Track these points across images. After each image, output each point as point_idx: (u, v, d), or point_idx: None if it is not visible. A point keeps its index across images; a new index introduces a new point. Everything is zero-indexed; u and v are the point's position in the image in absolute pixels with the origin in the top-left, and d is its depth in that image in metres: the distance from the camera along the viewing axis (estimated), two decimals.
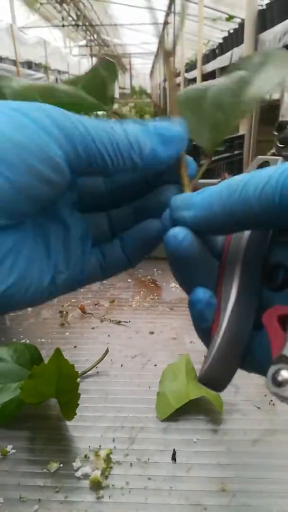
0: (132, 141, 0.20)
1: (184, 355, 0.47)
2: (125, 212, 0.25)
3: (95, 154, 0.19)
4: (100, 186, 0.24)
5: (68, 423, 0.40)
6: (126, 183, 0.24)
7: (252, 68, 0.26)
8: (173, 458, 0.37)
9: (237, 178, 0.18)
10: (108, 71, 0.29)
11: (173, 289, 0.68)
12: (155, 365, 0.49)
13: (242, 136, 1.32)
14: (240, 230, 0.20)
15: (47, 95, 0.27)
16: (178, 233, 0.19)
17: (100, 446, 0.38)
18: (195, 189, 0.22)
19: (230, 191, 0.18)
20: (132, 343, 0.53)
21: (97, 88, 0.29)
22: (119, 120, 0.21)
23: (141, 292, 0.67)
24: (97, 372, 0.48)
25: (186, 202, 0.20)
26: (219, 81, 0.27)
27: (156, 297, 0.65)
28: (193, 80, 7.99)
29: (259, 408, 0.43)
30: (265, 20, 3.37)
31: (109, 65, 0.29)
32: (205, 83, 0.27)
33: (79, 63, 11.99)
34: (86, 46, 17.19)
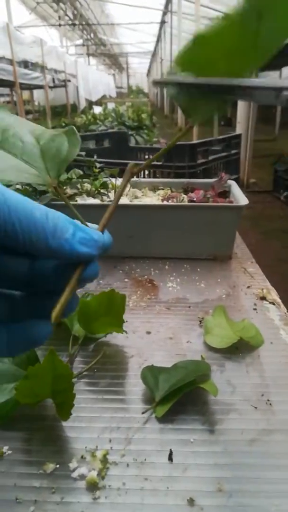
0: (50, 224, 0.21)
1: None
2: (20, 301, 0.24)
3: (7, 225, 0.20)
4: (23, 270, 0.24)
5: (64, 423, 0.40)
6: (49, 272, 0.24)
7: None
8: (170, 458, 0.37)
9: None
10: (69, 140, 0.27)
11: (170, 288, 0.67)
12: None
13: (239, 136, 1.32)
14: None
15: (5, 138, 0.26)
16: None
17: (96, 446, 0.38)
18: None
19: None
20: (129, 343, 0.53)
21: (54, 152, 0.27)
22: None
23: (138, 292, 0.66)
24: (94, 373, 0.48)
25: None
26: None
27: (153, 297, 0.65)
28: None
29: (256, 408, 0.42)
30: None
31: (71, 135, 0.27)
32: None
33: (75, 62, 11.96)
34: (83, 45, 17.16)
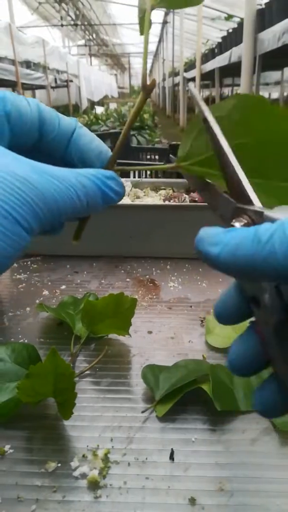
0: (86, 203, 0.25)
1: None
2: None
3: (57, 217, 0.24)
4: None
5: (66, 422, 0.40)
6: None
7: None
8: (171, 457, 0.37)
9: (266, 226, 0.18)
10: None
11: (171, 288, 0.68)
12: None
13: None
14: (266, 281, 0.20)
15: None
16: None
17: (98, 445, 0.38)
18: None
19: (255, 240, 0.17)
20: (130, 342, 0.53)
21: None
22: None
23: (140, 292, 0.66)
24: (96, 372, 0.48)
25: (212, 239, 0.19)
26: None
27: (154, 297, 0.65)
28: (192, 79, 7.98)
29: None
30: (264, 19, 3.37)
31: None
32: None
33: (78, 62, 11.97)
34: (85, 45, 17.18)
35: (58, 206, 0.23)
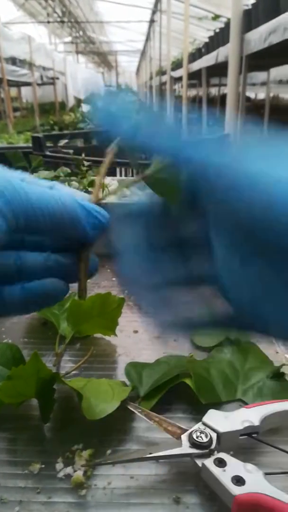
0: (67, 217, 0.23)
1: None
2: (37, 261, 0.25)
3: (33, 221, 0.22)
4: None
5: (50, 423, 0.40)
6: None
7: None
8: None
9: None
10: None
11: None
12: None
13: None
14: None
15: None
16: None
17: (82, 446, 0.38)
18: None
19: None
20: (116, 342, 0.53)
21: None
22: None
23: (126, 291, 0.66)
24: (81, 372, 0.47)
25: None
26: None
27: None
28: (179, 78, 8.00)
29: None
30: (250, 19, 3.39)
31: None
32: None
33: (64, 60, 11.88)
34: (72, 43, 17.06)
35: (31, 203, 0.21)
